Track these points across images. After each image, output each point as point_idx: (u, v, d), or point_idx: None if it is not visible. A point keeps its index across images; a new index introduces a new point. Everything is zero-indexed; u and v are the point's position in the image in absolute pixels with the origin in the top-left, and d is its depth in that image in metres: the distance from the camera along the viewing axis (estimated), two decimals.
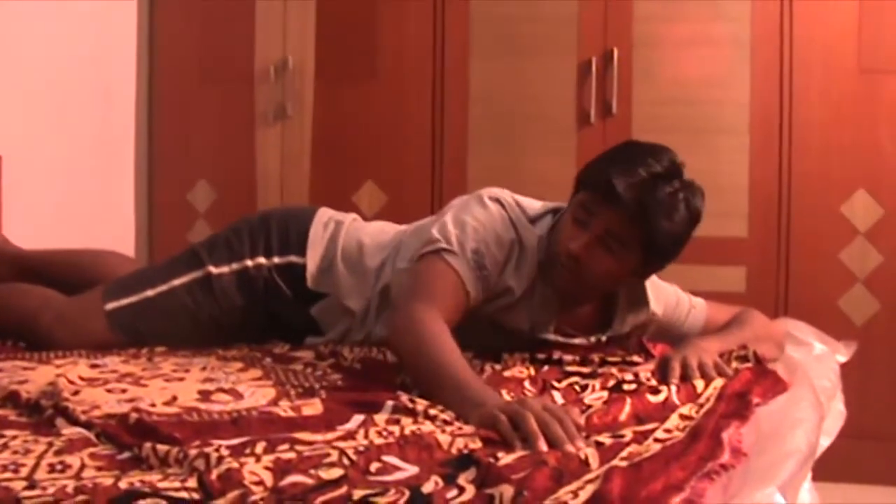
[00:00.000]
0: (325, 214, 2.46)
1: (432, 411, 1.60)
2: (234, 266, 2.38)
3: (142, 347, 2.25)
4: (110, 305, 2.34)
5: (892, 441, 3.58)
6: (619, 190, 2.01)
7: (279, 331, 2.38)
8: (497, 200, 2.19)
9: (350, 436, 1.42)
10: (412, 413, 1.59)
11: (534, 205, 2.25)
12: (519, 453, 1.37)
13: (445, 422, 1.56)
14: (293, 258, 2.37)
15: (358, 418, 1.52)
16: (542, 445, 1.40)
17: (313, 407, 1.66)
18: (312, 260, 2.36)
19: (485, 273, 2.09)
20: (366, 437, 1.42)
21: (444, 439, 1.43)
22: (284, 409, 1.64)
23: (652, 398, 1.77)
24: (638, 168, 2.04)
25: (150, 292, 2.36)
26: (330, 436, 1.41)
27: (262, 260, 2.38)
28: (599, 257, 2.08)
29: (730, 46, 3.68)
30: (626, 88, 3.73)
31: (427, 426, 1.52)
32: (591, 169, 2.14)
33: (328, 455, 1.30)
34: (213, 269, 2.37)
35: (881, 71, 3.57)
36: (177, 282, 2.37)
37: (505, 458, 1.33)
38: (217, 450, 1.29)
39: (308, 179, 3.97)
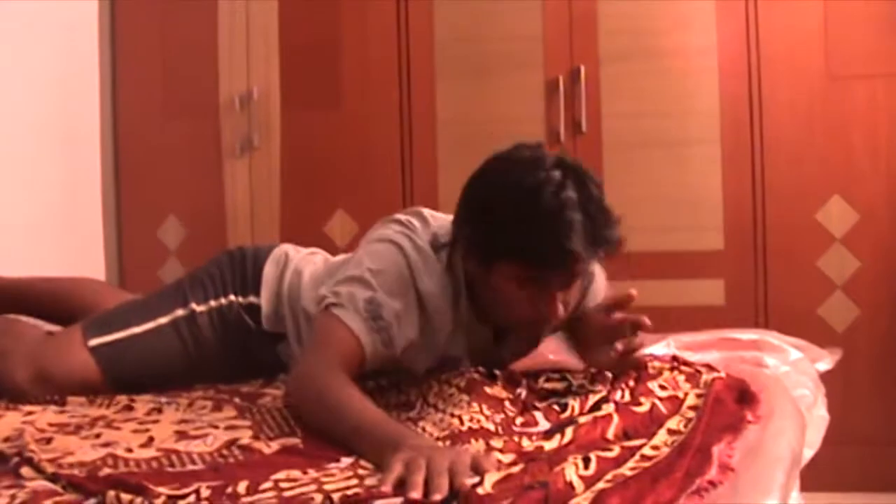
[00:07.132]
0: (280, 251, 2.41)
1: None
2: (212, 304, 2.34)
3: (124, 389, 2.16)
4: (94, 341, 2.28)
5: (875, 446, 3.59)
6: (586, 254, 1.87)
7: (259, 367, 2.32)
8: (397, 242, 2.05)
9: (337, 474, 1.39)
10: None
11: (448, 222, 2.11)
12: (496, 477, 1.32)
13: None
14: (252, 299, 2.34)
15: (346, 460, 1.49)
16: (414, 495, 1.29)
17: (293, 445, 1.63)
18: (266, 301, 2.32)
19: (381, 324, 1.97)
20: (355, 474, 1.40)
21: None
22: (264, 448, 1.61)
23: (637, 409, 1.74)
24: (575, 219, 1.84)
25: (136, 329, 2.31)
26: (315, 474, 1.38)
27: (233, 297, 2.35)
28: (572, 302, 2.02)
29: (697, 57, 3.68)
30: (594, 105, 3.72)
31: None
32: (510, 238, 1.89)
33: (311, 500, 1.27)
34: (195, 307, 2.33)
35: (849, 76, 3.58)
36: (163, 319, 2.32)
37: (484, 487, 1.28)
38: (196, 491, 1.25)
39: (278, 211, 3.94)
